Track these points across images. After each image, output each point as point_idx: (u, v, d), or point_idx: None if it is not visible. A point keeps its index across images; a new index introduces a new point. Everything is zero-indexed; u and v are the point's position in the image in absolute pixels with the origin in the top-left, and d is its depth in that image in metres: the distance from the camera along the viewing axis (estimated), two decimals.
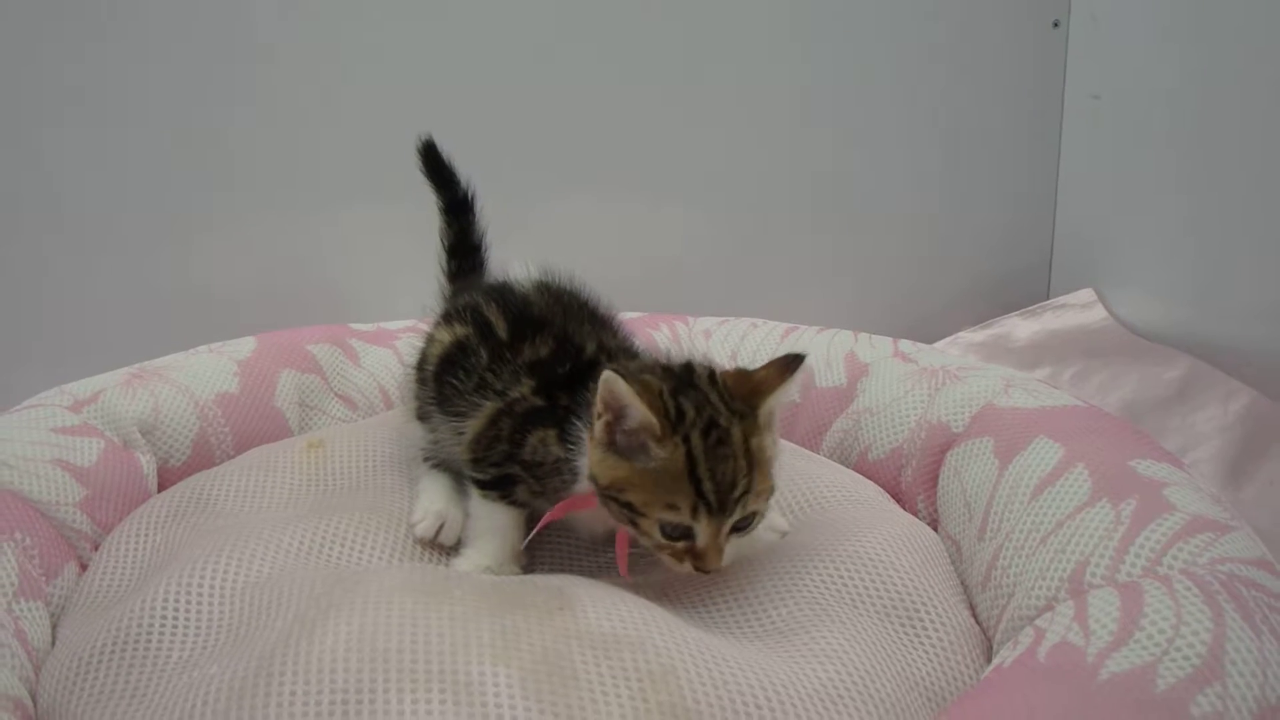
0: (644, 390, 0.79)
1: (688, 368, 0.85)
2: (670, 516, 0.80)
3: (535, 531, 0.91)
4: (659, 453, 0.79)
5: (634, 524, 0.82)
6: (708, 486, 0.79)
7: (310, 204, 1.66)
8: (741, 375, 0.84)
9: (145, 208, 1.58)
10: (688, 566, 0.82)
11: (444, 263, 1.20)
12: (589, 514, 0.89)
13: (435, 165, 1.17)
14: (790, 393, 0.83)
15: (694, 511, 0.79)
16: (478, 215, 1.19)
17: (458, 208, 1.18)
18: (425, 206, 1.20)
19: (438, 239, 1.20)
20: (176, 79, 1.55)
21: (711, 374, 0.84)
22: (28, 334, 1.56)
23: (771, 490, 0.84)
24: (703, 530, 0.80)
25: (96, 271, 1.58)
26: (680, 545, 0.81)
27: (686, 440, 0.79)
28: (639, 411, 0.78)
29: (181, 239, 1.61)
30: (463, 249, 1.19)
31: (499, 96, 1.68)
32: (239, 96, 1.58)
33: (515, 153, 1.69)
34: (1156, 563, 0.75)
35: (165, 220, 1.60)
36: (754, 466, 0.80)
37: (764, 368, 0.84)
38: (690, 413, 0.80)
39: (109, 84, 1.52)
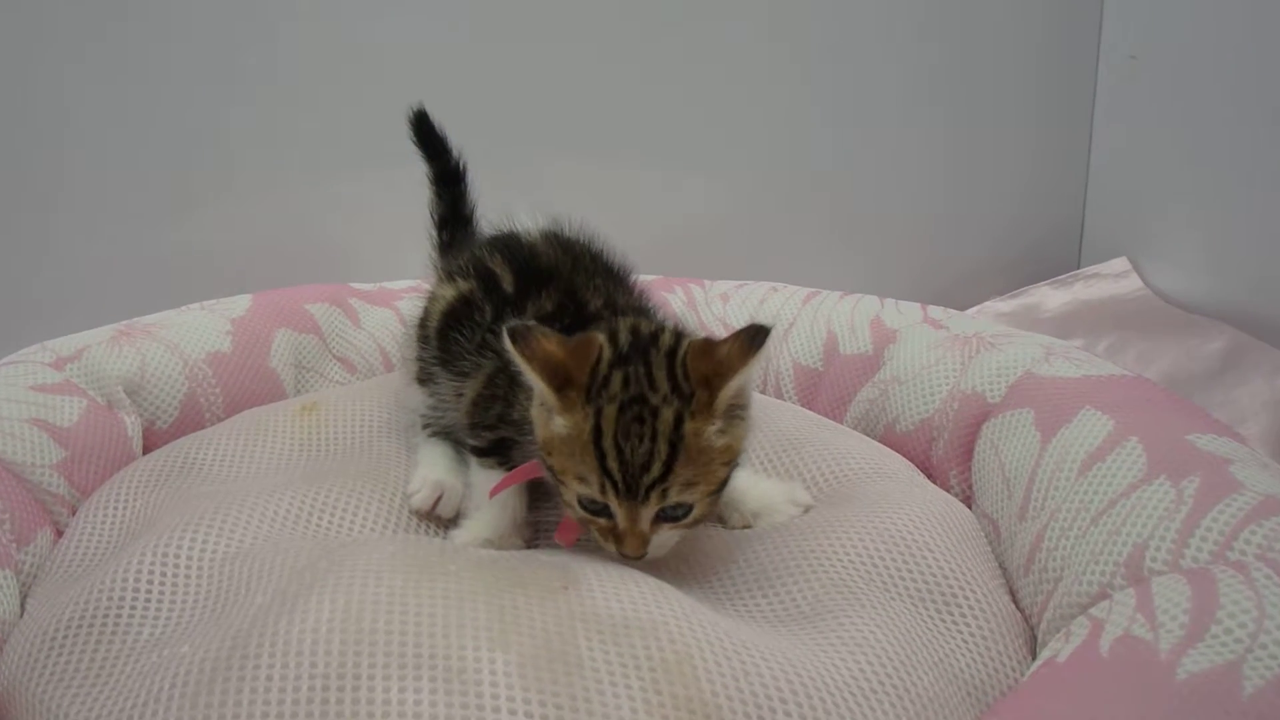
0: (547, 353, 0.73)
1: (653, 336, 0.78)
2: (583, 489, 0.75)
3: (507, 483, 0.84)
4: (561, 420, 0.74)
5: (560, 491, 0.77)
6: (612, 465, 0.72)
7: (312, 163, 1.60)
8: (705, 349, 0.75)
9: (142, 165, 1.53)
10: (613, 548, 0.77)
11: (434, 235, 1.15)
12: None
13: (427, 135, 1.12)
14: (753, 374, 0.75)
15: (602, 489, 0.73)
16: (469, 186, 1.15)
17: (449, 178, 1.14)
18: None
19: (427, 212, 1.16)
20: (178, 39, 1.49)
21: (675, 347, 0.76)
22: (20, 294, 1.51)
23: (718, 485, 0.76)
24: (619, 511, 0.74)
25: (91, 230, 1.53)
26: (604, 523, 0.76)
27: (599, 413, 0.73)
28: (530, 376, 0.74)
29: (180, 198, 1.56)
30: (454, 220, 1.14)
31: (508, 58, 1.61)
32: (241, 57, 1.52)
33: (524, 114, 1.63)
34: (1227, 547, 0.67)
35: (163, 179, 1.54)
36: (679, 453, 0.73)
37: (728, 341, 0.75)
38: (615, 384, 0.74)
39: (109, 44, 1.46)
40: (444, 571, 0.70)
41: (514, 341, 0.73)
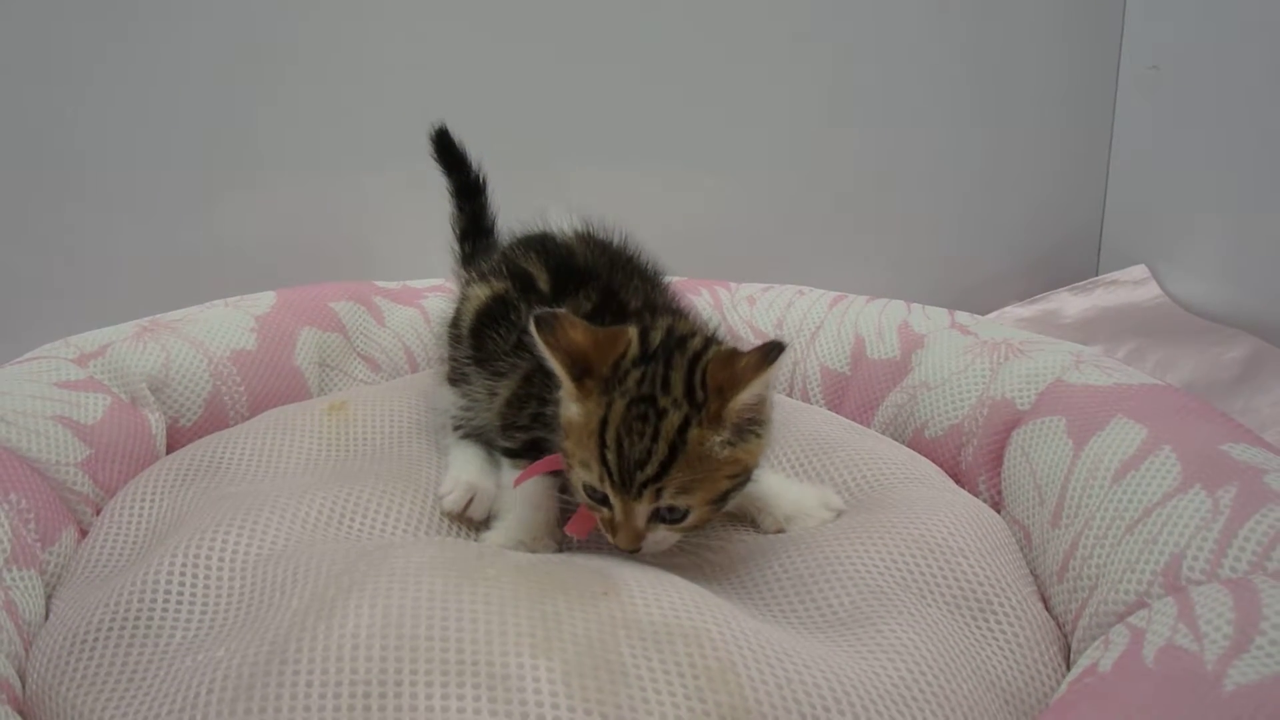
0: (570, 341, 0.76)
1: (682, 339, 0.79)
2: (585, 475, 0.77)
3: (532, 472, 0.85)
4: (576, 407, 0.76)
5: (569, 474, 0.79)
6: (610, 456, 0.74)
7: (334, 162, 1.60)
8: (727, 360, 0.76)
9: (165, 162, 1.53)
10: (610, 538, 0.79)
11: (456, 248, 1.17)
12: None
13: (448, 151, 1.15)
14: (768, 389, 0.76)
15: (601, 478, 0.75)
16: (489, 198, 1.17)
17: (469, 191, 1.16)
18: None
19: (449, 225, 1.18)
20: (205, 36, 1.49)
21: (700, 353, 0.77)
22: (46, 290, 1.52)
23: (719, 495, 0.77)
24: (615, 503, 0.76)
25: (118, 227, 1.53)
26: (606, 513, 0.78)
27: (609, 405, 0.75)
28: (551, 363, 0.76)
29: (201, 195, 1.56)
30: (475, 232, 1.16)
31: (532, 59, 1.61)
32: (268, 54, 1.52)
33: (545, 115, 1.63)
34: (1265, 557, 0.67)
35: (185, 176, 1.55)
36: (678, 456, 0.73)
37: (749, 354, 0.75)
38: (630, 380, 0.75)
39: (135, 41, 1.47)
40: (484, 576, 0.69)
41: (539, 329, 0.75)
